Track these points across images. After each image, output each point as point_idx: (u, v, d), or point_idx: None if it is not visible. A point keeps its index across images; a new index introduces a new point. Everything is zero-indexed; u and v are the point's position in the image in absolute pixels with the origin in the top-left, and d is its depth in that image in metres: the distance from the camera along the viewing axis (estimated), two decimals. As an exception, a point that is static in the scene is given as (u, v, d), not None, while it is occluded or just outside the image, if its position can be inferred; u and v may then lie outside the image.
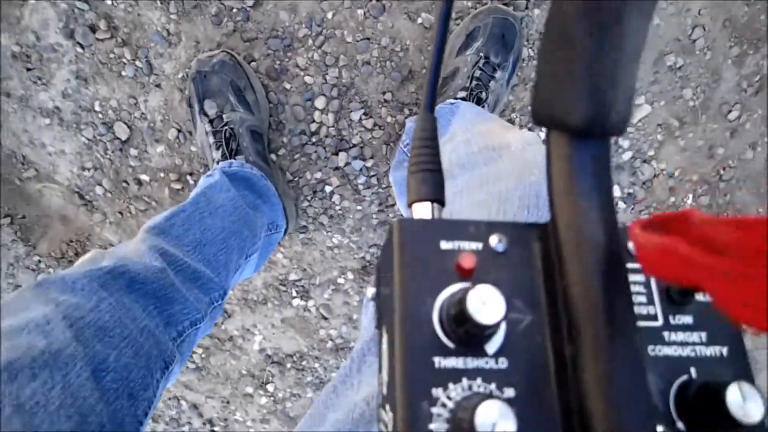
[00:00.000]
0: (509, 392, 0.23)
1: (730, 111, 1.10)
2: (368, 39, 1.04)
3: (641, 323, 0.25)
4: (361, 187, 1.14)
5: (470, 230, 0.25)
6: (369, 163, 1.12)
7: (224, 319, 1.28)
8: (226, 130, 0.99)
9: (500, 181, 0.53)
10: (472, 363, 0.23)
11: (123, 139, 1.11)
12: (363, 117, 1.09)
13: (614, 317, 0.22)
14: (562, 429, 0.22)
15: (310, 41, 1.04)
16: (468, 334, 0.22)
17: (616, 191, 1.17)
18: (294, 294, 1.25)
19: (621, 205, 1.18)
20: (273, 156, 1.12)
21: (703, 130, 1.12)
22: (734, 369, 0.25)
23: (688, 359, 0.25)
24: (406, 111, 1.08)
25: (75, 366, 0.52)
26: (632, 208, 1.18)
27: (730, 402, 0.22)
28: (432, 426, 0.21)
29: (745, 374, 0.25)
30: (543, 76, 0.23)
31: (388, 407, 0.23)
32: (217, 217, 0.86)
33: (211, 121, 1.00)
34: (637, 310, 0.26)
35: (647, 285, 0.26)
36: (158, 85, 1.08)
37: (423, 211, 0.28)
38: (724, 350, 0.26)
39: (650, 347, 0.25)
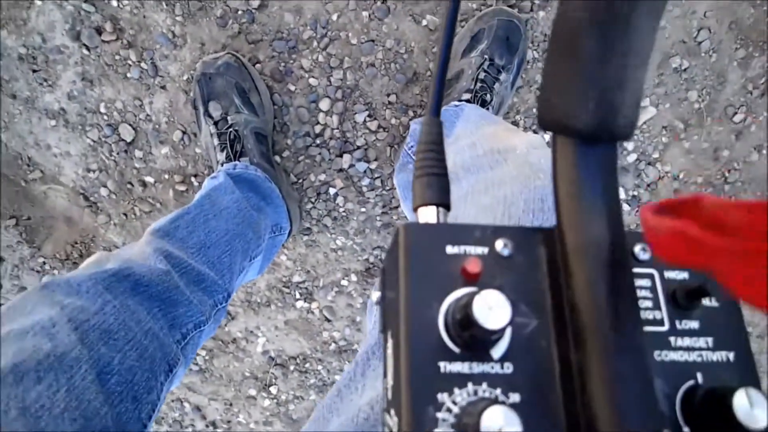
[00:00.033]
0: (514, 397, 0.23)
1: (735, 113, 1.10)
2: (373, 41, 1.04)
3: (647, 328, 0.25)
4: (365, 189, 1.14)
5: (476, 235, 0.25)
6: (373, 165, 1.12)
7: (228, 321, 1.28)
8: (230, 131, 0.99)
9: (505, 185, 0.52)
10: (478, 368, 0.23)
11: (128, 140, 1.11)
12: (367, 119, 1.09)
13: (620, 322, 0.22)
14: (568, 434, 0.22)
15: (315, 43, 1.04)
16: (473, 339, 0.22)
17: (621, 193, 1.16)
18: (297, 296, 1.25)
19: (625, 207, 1.18)
20: (277, 158, 1.12)
21: (708, 132, 1.12)
22: (741, 374, 0.25)
23: (695, 364, 0.25)
24: (411, 113, 1.08)
25: (80, 369, 0.52)
26: (636, 211, 1.18)
27: (737, 408, 0.22)
28: (437, 431, 0.21)
29: (752, 380, 0.25)
30: (549, 80, 0.23)
31: (393, 412, 0.23)
32: (221, 220, 0.86)
33: (215, 123, 1.01)
34: (643, 314, 0.25)
35: (653, 290, 0.26)
36: (163, 87, 1.08)
37: (428, 215, 0.28)
38: (731, 355, 0.25)
39: (656, 352, 0.25)
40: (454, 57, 1.04)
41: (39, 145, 1.12)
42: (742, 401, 0.22)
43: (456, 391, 0.22)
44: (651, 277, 0.26)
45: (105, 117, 1.10)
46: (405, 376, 0.22)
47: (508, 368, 0.23)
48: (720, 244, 0.18)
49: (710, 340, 0.26)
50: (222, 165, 0.99)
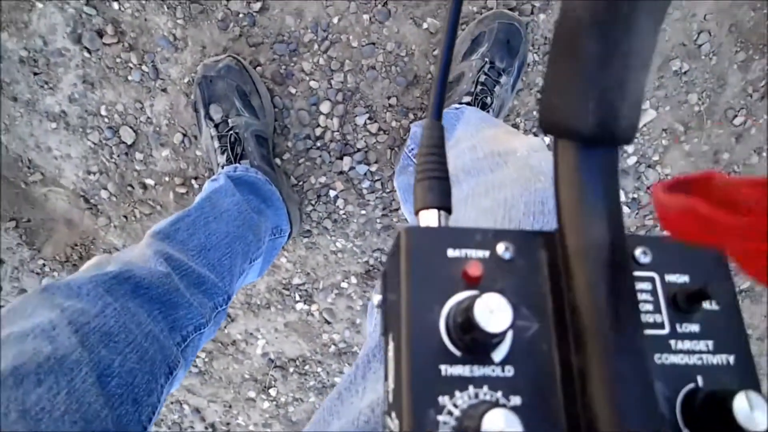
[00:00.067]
0: (515, 400, 0.23)
1: (735, 116, 1.10)
2: (374, 44, 1.04)
3: (648, 331, 0.25)
4: (365, 191, 1.14)
5: (477, 238, 0.25)
6: (373, 168, 1.12)
7: (227, 323, 1.28)
8: (231, 134, 0.99)
9: (506, 188, 0.52)
10: (479, 371, 0.23)
11: (128, 143, 1.12)
12: (368, 121, 1.09)
13: (621, 323, 0.22)
14: (569, 437, 0.22)
15: (316, 46, 1.05)
16: (475, 342, 0.22)
17: (621, 196, 1.17)
18: (297, 298, 1.25)
19: (626, 210, 1.18)
20: (278, 160, 1.12)
21: (708, 135, 1.12)
22: (741, 377, 0.25)
23: (695, 367, 0.25)
24: (411, 116, 1.09)
25: (80, 371, 0.52)
26: (637, 213, 1.18)
27: (737, 411, 0.22)
28: None
29: (753, 383, 0.25)
30: (551, 84, 0.23)
31: (394, 414, 0.23)
32: (221, 222, 0.86)
33: (216, 126, 1.01)
34: (643, 318, 0.25)
35: (654, 293, 0.26)
36: (164, 90, 1.08)
37: (430, 218, 0.28)
38: (731, 359, 0.25)
39: (657, 355, 0.25)
40: (454, 60, 1.04)
41: (40, 148, 1.13)
42: (742, 404, 0.22)
43: (457, 394, 0.22)
44: (652, 280, 0.26)
45: (106, 119, 1.10)
46: (406, 379, 0.22)
47: (509, 371, 0.23)
48: (731, 222, 0.18)
49: (710, 343, 0.26)
50: (222, 167, 0.99)
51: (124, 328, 0.60)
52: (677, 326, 0.26)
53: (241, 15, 1.03)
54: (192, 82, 1.06)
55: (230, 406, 1.37)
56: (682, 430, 0.24)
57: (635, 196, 1.17)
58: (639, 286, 0.26)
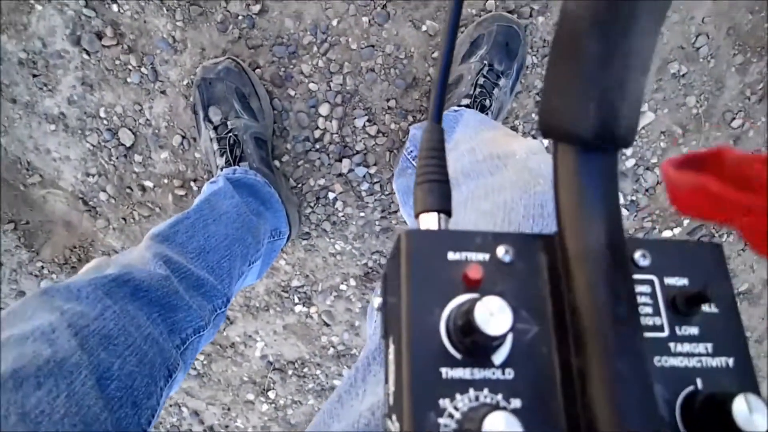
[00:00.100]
0: (516, 403, 0.23)
1: (733, 119, 1.10)
2: (373, 46, 1.04)
3: (647, 334, 0.25)
4: (364, 193, 1.14)
5: (477, 241, 0.25)
6: (372, 170, 1.12)
7: (226, 325, 1.28)
8: (230, 136, 0.99)
9: (505, 191, 0.53)
10: (479, 374, 0.23)
11: (127, 145, 1.12)
12: (367, 124, 1.09)
13: (620, 324, 0.22)
14: (569, 439, 0.22)
15: (315, 48, 1.05)
16: (475, 345, 0.22)
17: (619, 198, 1.17)
18: (296, 300, 1.25)
19: (624, 212, 1.18)
20: (277, 162, 1.12)
21: (706, 137, 1.12)
22: (740, 380, 0.25)
23: (694, 370, 0.25)
24: (410, 118, 1.09)
25: (80, 374, 0.52)
26: (635, 216, 1.18)
27: (737, 413, 0.22)
28: None
29: (752, 385, 0.25)
30: (551, 88, 0.23)
31: (394, 417, 0.23)
32: (220, 224, 0.86)
33: (215, 128, 1.01)
34: (643, 321, 0.26)
35: (653, 296, 0.26)
36: (163, 92, 1.08)
37: (430, 221, 0.28)
38: (730, 361, 0.26)
39: (656, 358, 0.25)
40: (453, 62, 1.04)
41: (38, 150, 1.13)
42: (741, 407, 0.22)
43: (458, 396, 0.22)
44: (651, 283, 0.26)
45: (105, 121, 1.10)
46: (407, 382, 0.22)
47: (510, 374, 0.23)
48: (743, 199, 0.18)
49: (710, 345, 0.26)
50: (221, 170, 0.99)
51: (124, 331, 0.60)
52: (676, 329, 0.26)
53: (240, 17, 1.03)
54: (191, 84, 1.06)
55: (229, 409, 1.37)
56: (681, 433, 0.24)
57: (633, 198, 1.17)
58: (638, 288, 0.26)
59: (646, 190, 1.16)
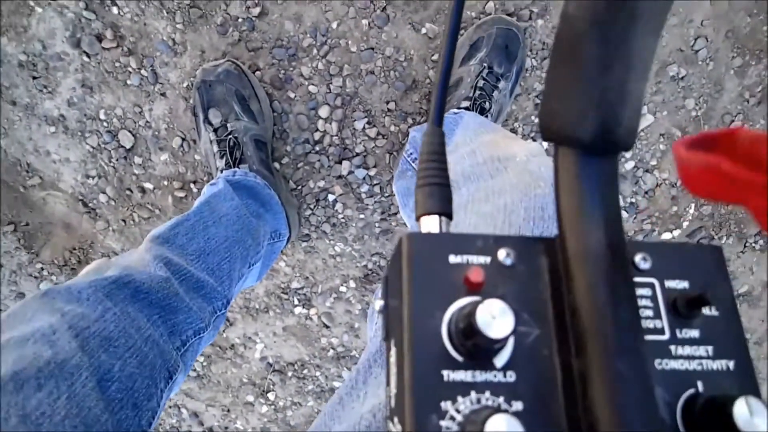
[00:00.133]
0: (517, 405, 0.23)
1: (732, 121, 1.11)
2: (372, 49, 1.04)
3: (648, 337, 0.25)
4: (364, 195, 1.14)
5: (478, 244, 0.25)
6: (372, 172, 1.12)
7: (226, 327, 1.28)
8: (230, 138, 1.00)
9: (505, 193, 0.53)
10: (481, 376, 0.23)
11: (127, 147, 1.12)
12: (366, 126, 1.09)
13: (621, 331, 0.22)
14: (570, 442, 0.22)
15: (315, 51, 1.05)
16: (476, 348, 0.22)
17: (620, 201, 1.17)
18: (296, 302, 1.25)
19: (624, 214, 1.18)
20: (276, 164, 1.12)
21: (705, 140, 1.12)
22: (741, 383, 0.25)
23: (695, 373, 0.25)
24: (410, 120, 1.09)
25: (80, 376, 0.52)
26: (635, 218, 1.18)
27: (737, 416, 0.22)
28: None
29: (752, 388, 0.25)
30: (551, 90, 0.23)
31: (396, 420, 0.24)
32: (220, 226, 0.86)
33: (215, 130, 1.01)
34: (644, 323, 0.26)
35: (654, 299, 0.26)
36: (163, 94, 1.08)
37: (431, 224, 0.28)
38: (731, 364, 0.26)
39: (657, 361, 0.25)
40: (453, 65, 1.04)
41: (38, 152, 1.13)
42: (742, 410, 0.22)
43: (459, 399, 0.22)
44: (651, 286, 0.26)
45: (104, 123, 1.10)
46: (408, 385, 0.22)
47: (511, 377, 0.23)
48: (755, 180, 0.17)
49: (710, 348, 0.26)
50: (221, 172, 0.99)
51: (124, 332, 0.60)
52: (677, 332, 0.26)
53: (240, 20, 1.03)
54: (191, 86, 1.06)
55: (228, 410, 1.37)
56: (682, 436, 0.24)
57: (633, 200, 1.17)
58: (639, 291, 0.26)
59: (646, 193, 1.16)
